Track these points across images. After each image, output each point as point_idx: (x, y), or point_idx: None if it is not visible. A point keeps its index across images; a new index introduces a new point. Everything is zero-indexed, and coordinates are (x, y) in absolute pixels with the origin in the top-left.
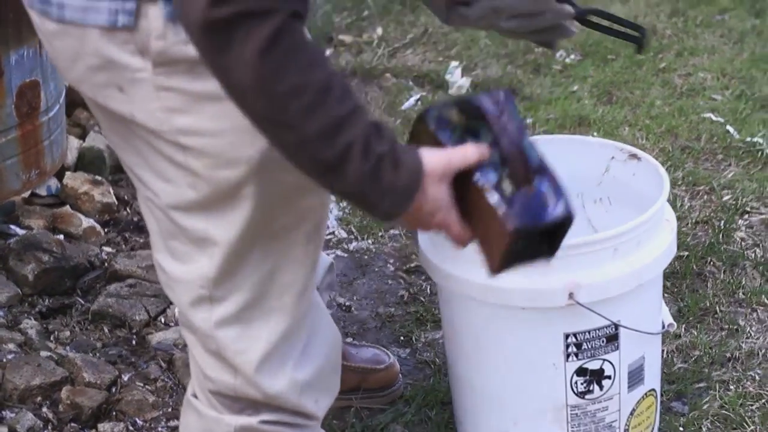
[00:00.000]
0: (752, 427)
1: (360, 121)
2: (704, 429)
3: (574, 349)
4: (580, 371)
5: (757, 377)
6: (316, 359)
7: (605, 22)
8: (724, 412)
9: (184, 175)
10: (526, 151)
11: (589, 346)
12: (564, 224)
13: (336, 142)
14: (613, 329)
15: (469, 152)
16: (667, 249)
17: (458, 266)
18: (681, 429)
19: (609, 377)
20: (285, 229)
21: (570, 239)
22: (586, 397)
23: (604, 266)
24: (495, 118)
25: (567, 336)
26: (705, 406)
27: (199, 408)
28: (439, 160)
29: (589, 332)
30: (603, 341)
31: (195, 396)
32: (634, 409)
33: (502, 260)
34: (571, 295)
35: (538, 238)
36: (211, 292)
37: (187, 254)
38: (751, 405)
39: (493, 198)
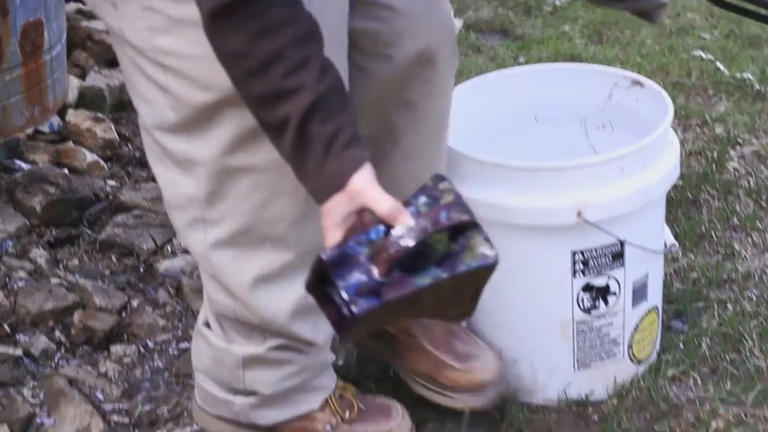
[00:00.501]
0: (750, 344)
1: (302, 98)
2: (704, 345)
3: (581, 266)
4: (587, 288)
5: (754, 297)
6: None
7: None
8: (723, 329)
9: (166, 96)
10: (405, 255)
11: (596, 263)
12: (346, 317)
13: (274, 111)
14: (619, 247)
15: (383, 204)
16: (672, 170)
17: (465, 186)
18: (681, 346)
19: (614, 293)
20: (272, 162)
21: (576, 161)
22: (592, 312)
23: (612, 186)
24: (428, 213)
25: (574, 253)
26: (704, 325)
27: (209, 338)
28: (359, 185)
29: (595, 249)
30: (609, 258)
31: (207, 325)
32: (637, 325)
33: (309, 281)
34: (579, 214)
35: (329, 295)
36: (204, 214)
37: (176, 177)
38: (749, 323)
39: (351, 241)
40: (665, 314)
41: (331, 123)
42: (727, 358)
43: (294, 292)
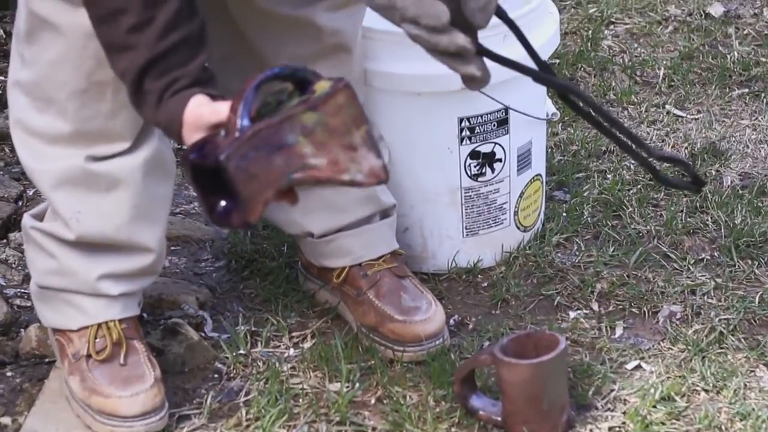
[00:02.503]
0: (630, 210)
1: (140, 56)
2: (586, 213)
3: (468, 133)
4: (474, 154)
5: (632, 166)
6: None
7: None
8: (603, 197)
9: None
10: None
11: (482, 130)
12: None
13: (115, 62)
14: (504, 113)
15: (220, 109)
16: (553, 37)
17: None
18: (564, 214)
19: (500, 160)
20: (69, 25)
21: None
22: (479, 179)
23: (496, 52)
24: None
25: (461, 120)
26: (585, 193)
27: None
28: (194, 112)
29: (481, 116)
30: (494, 125)
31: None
32: (522, 192)
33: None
34: None
35: (210, 174)
36: (23, 50)
37: (20, 7)
38: (629, 190)
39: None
40: (548, 185)
41: (166, 78)
42: (609, 224)
43: (60, 165)
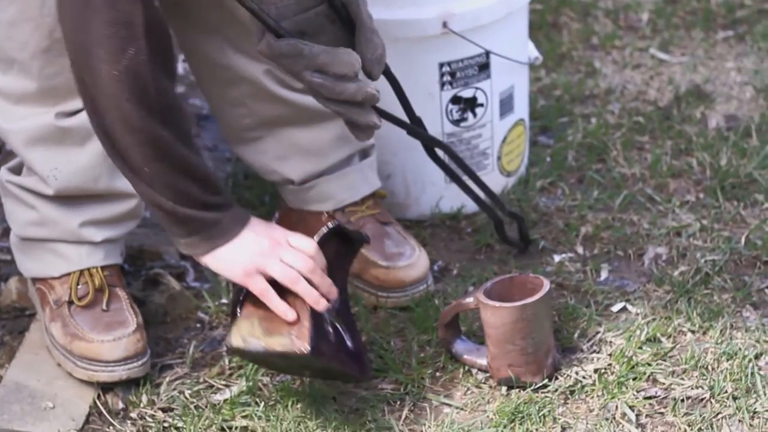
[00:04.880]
0: (615, 153)
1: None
2: (570, 157)
3: (449, 78)
4: (455, 99)
5: (615, 111)
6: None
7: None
8: (588, 141)
9: None
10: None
11: (463, 75)
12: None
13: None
14: (485, 58)
15: (288, 313)
16: None
17: None
18: (548, 159)
19: (482, 105)
20: None
21: None
22: (461, 125)
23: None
24: None
25: (442, 65)
26: (569, 138)
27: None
28: (265, 290)
29: (462, 61)
30: (475, 70)
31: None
32: (505, 137)
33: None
34: (444, 24)
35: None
36: None
37: None
38: (613, 134)
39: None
40: (531, 131)
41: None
42: (593, 168)
43: (32, 123)
